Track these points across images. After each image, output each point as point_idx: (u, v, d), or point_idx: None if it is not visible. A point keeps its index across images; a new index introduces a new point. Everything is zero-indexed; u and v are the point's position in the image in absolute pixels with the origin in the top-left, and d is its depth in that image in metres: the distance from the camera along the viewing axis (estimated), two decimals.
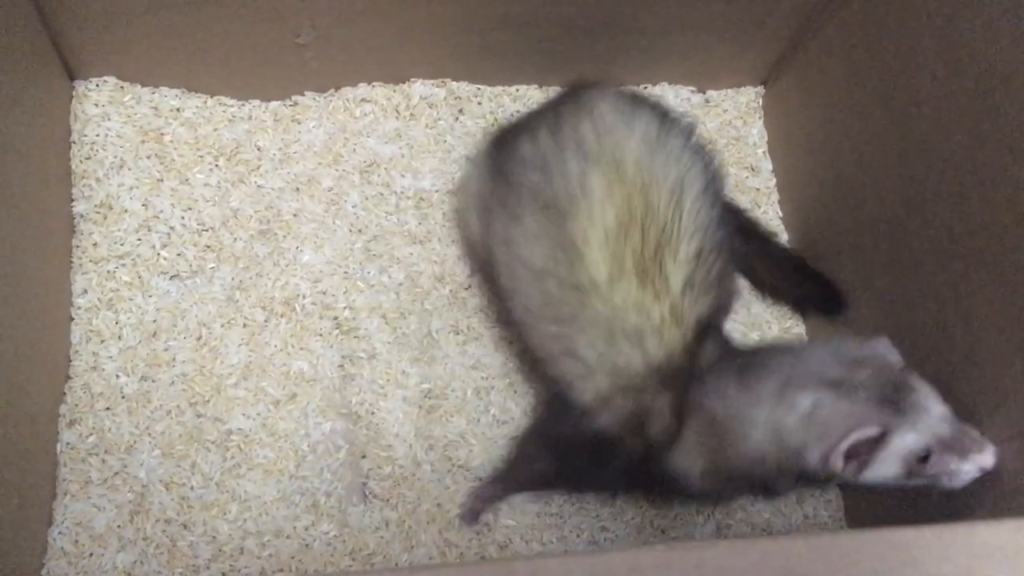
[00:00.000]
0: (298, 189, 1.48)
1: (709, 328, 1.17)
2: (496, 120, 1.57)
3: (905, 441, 1.03)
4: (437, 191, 1.52)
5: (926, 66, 1.20)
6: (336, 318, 1.42)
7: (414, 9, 1.41)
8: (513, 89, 1.60)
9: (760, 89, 1.67)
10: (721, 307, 1.23)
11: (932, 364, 1.20)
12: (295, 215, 1.47)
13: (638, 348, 1.14)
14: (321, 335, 1.41)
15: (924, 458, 1.04)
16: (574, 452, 1.25)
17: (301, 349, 1.41)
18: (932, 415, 1.04)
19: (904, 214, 1.25)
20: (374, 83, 1.55)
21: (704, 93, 1.66)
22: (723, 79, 1.65)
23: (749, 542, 0.66)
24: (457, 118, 1.56)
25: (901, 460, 1.04)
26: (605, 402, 1.17)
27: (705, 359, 1.15)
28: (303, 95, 1.54)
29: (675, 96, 1.63)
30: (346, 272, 1.45)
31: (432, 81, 1.56)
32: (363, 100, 1.54)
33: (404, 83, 1.56)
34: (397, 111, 1.55)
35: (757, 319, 1.52)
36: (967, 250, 1.13)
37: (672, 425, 1.14)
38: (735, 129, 1.64)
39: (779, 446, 1.06)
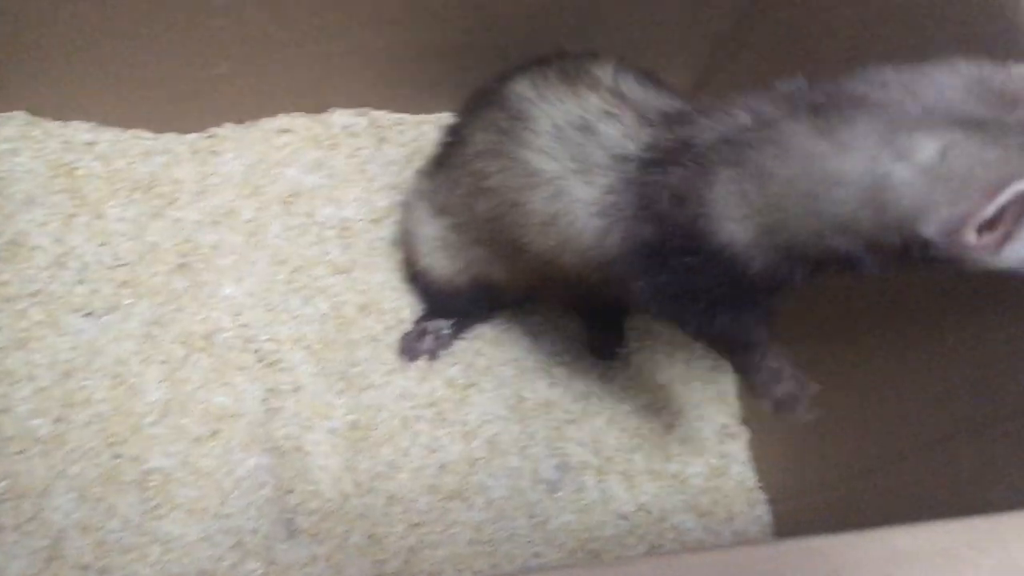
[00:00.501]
0: (217, 221, 1.46)
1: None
2: (419, 149, 1.56)
3: None
4: (360, 220, 1.51)
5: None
6: (258, 351, 1.40)
7: (333, 39, 1.40)
8: (434, 117, 1.59)
9: None
10: None
11: (854, 376, 1.23)
12: (214, 248, 1.44)
13: (593, 137, 1.06)
14: (243, 369, 1.39)
15: None
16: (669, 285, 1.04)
17: (223, 384, 1.38)
18: None
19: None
20: (294, 113, 1.54)
21: None
22: None
23: (674, 556, 0.67)
24: (379, 147, 1.56)
25: None
26: (609, 207, 1.03)
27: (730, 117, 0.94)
28: (221, 127, 1.51)
29: None
30: (268, 304, 1.42)
31: (353, 110, 1.56)
32: (283, 130, 1.53)
33: (324, 113, 1.55)
34: (318, 141, 1.53)
35: None
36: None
37: (692, 191, 0.95)
38: None
39: (880, 209, 0.80)
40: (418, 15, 1.36)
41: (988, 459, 1.00)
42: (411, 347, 1.45)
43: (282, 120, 1.53)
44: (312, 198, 1.50)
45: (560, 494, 1.41)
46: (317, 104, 1.54)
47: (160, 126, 1.49)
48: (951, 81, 0.81)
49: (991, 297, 0.98)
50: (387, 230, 1.50)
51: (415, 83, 1.53)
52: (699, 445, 1.48)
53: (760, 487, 1.46)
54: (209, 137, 1.51)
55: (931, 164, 0.76)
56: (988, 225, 0.76)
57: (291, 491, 1.34)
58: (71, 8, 1.25)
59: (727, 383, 1.53)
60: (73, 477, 1.29)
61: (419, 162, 1.54)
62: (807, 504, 1.35)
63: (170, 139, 1.49)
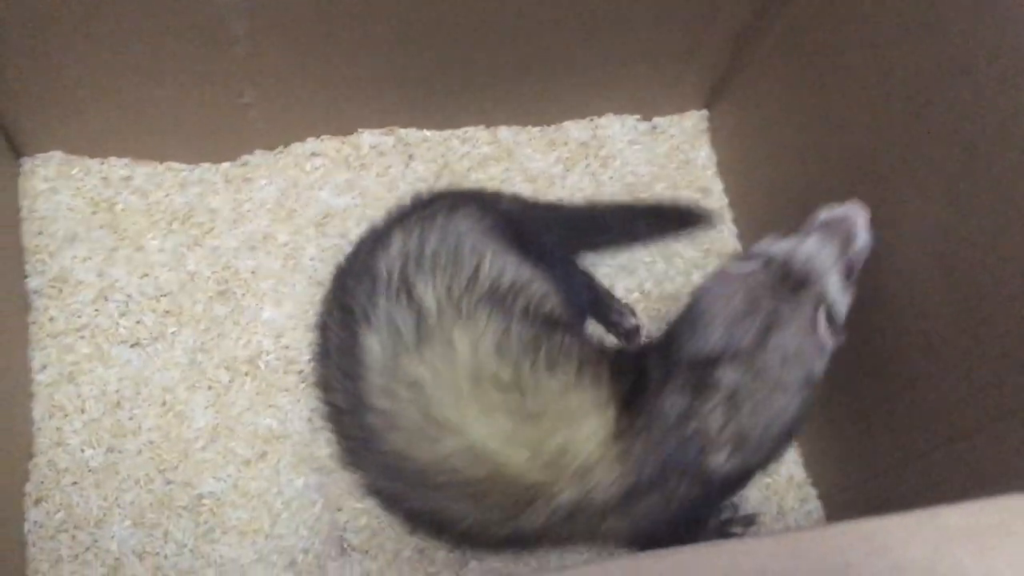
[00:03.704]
0: (254, 247, 1.48)
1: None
2: (447, 164, 1.58)
3: (835, 283, 1.16)
4: None
5: (857, 75, 1.23)
6: (301, 371, 1.41)
7: (354, 61, 1.42)
8: (461, 132, 1.61)
9: (704, 112, 1.70)
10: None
11: (891, 367, 1.22)
12: (253, 273, 1.46)
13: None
14: (288, 390, 1.40)
15: (848, 272, 1.18)
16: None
17: (268, 406, 1.39)
18: (813, 253, 1.16)
19: None
20: (322, 137, 1.56)
21: (650, 120, 1.68)
22: (667, 105, 1.68)
23: (717, 546, 0.66)
24: (408, 164, 1.57)
25: (843, 290, 1.18)
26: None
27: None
28: (252, 154, 1.54)
29: (622, 126, 1.65)
30: (308, 325, 1.44)
31: (380, 130, 1.58)
32: (312, 154, 1.55)
33: (352, 134, 1.57)
34: (347, 162, 1.55)
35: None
36: (915, 254, 1.15)
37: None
38: (684, 153, 1.66)
39: (803, 383, 1.14)
40: (435, 33, 1.38)
41: None
42: None
43: (311, 144, 1.56)
44: (345, 219, 1.52)
45: None
46: (345, 126, 1.56)
47: (194, 157, 1.52)
48: (729, 304, 1.16)
49: None
50: None
51: (439, 99, 1.55)
52: None
53: (810, 482, 1.45)
54: (242, 165, 1.54)
55: (785, 352, 1.14)
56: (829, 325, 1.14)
57: (340, 509, 1.35)
58: (96, 48, 1.28)
59: None
60: (127, 505, 1.31)
61: (448, 178, 1.56)
62: (857, 496, 1.34)
63: (204, 169, 1.53)
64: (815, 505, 1.43)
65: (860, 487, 1.34)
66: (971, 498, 0.73)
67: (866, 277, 1.21)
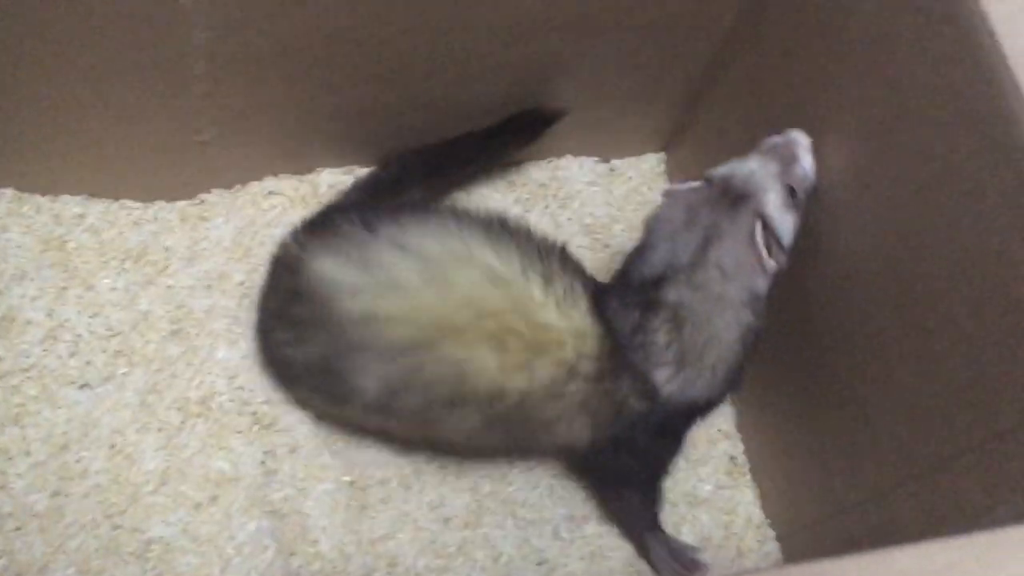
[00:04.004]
0: (209, 286, 1.46)
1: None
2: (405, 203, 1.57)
3: (773, 200, 1.19)
4: None
5: (812, 118, 1.25)
6: (255, 413, 1.39)
7: (314, 100, 1.42)
8: None
9: (662, 155, 1.71)
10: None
11: (848, 404, 1.22)
12: (207, 312, 1.44)
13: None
14: (241, 432, 1.38)
15: (792, 192, 1.19)
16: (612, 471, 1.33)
17: (221, 448, 1.37)
18: (753, 170, 1.21)
19: (807, 261, 1.28)
20: (280, 175, 1.55)
21: (608, 162, 1.69)
22: (625, 147, 1.69)
23: None
24: None
25: (784, 209, 1.19)
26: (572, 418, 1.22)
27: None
28: (209, 192, 1.52)
29: (580, 167, 1.66)
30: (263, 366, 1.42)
31: (339, 169, 1.57)
32: (270, 193, 1.54)
33: (311, 173, 1.56)
34: (305, 201, 1.54)
35: None
36: (871, 288, 1.16)
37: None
38: (641, 195, 1.67)
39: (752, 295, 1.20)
40: (397, 74, 1.38)
41: (992, 478, 0.99)
42: None
43: (269, 183, 1.54)
44: None
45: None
46: (303, 165, 1.56)
47: (149, 195, 1.50)
48: (664, 232, 1.25)
49: (982, 315, 0.98)
50: None
51: (399, 139, 1.54)
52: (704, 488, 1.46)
53: (768, 523, 1.44)
54: (198, 203, 1.52)
55: (725, 266, 1.19)
56: (767, 247, 1.18)
57: (293, 553, 1.32)
58: (54, 84, 1.27)
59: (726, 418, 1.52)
60: (72, 551, 1.27)
61: None
62: (816, 537, 1.34)
63: (159, 207, 1.51)
64: (774, 547, 1.43)
65: (818, 527, 1.34)
66: (928, 538, 0.73)
67: (822, 311, 1.22)
